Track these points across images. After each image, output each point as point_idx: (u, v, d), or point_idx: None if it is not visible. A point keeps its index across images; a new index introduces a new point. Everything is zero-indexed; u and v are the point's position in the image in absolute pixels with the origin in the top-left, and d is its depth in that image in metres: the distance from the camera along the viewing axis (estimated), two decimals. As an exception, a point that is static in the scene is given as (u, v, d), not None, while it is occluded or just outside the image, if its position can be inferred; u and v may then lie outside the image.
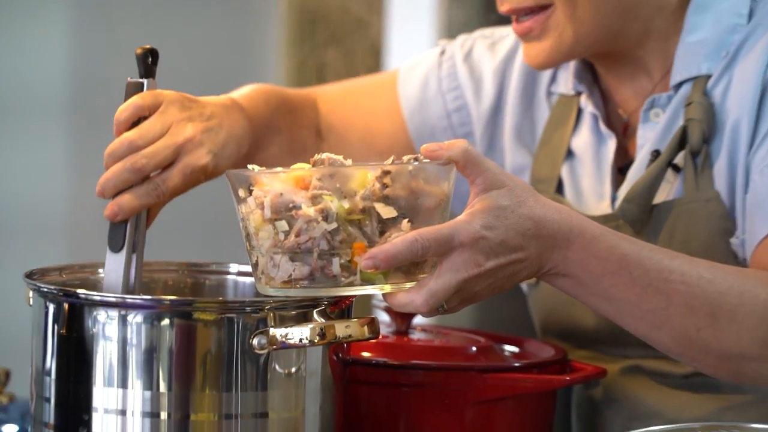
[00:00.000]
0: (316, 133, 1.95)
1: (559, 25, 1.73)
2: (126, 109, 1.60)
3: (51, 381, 1.47)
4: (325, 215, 1.41)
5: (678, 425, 1.45)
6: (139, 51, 1.61)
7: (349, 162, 1.49)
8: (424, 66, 1.99)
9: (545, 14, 1.73)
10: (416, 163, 1.45)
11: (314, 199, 1.42)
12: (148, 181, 1.58)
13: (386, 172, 1.42)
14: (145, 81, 1.61)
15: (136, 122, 1.61)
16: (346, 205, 1.42)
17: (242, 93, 1.82)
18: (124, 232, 1.57)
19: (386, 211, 1.42)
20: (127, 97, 1.61)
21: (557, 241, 1.49)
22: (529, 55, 1.78)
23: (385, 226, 1.43)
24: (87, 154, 4.24)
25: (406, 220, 1.43)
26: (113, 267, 1.58)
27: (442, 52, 2.00)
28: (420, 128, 1.96)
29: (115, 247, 1.58)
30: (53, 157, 4.29)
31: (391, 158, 1.47)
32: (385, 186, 1.42)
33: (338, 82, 2.05)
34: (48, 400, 1.48)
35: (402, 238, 1.40)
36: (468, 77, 1.96)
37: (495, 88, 1.94)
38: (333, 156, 1.49)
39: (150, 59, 1.62)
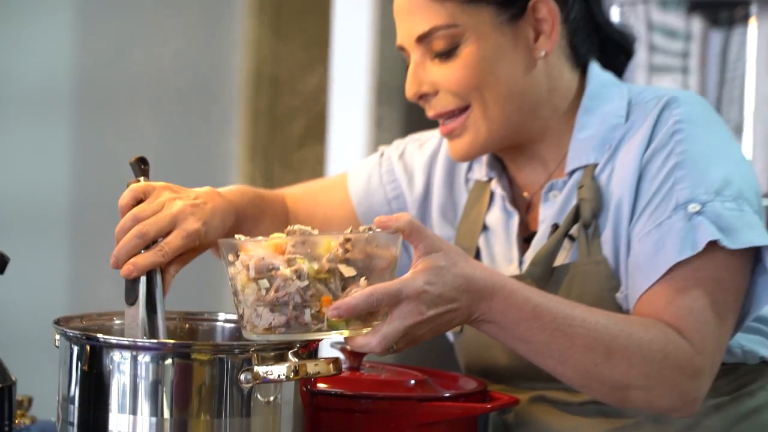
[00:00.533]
0: (285, 223, 1.92)
1: (476, 123, 1.76)
2: (126, 195, 1.63)
3: (75, 408, 1.49)
4: (299, 275, 1.44)
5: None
6: (132, 160, 1.66)
7: (316, 232, 1.51)
8: (368, 166, 2.02)
9: (464, 115, 1.76)
10: (371, 232, 1.48)
11: (289, 262, 1.45)
12: (154, 245, 1.60)
13: (347, 240, 1.46)
14: (141, 179, 1.65)
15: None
16: (315, 266, 1.45)
17: (223, 189, 1.82)
18: (137, 288, 1.59)
19: (347, 271, 1.46)
20: None
21: (483, 294, 1.52)
22: (453, 151, 1.80)
23: (347, 282, 1.46)
24: (89, 147, 4.11)
25: (363, 278, 1.46)
26: (130, 321, 1.59)
27: (382, 154, 2.02)
28: (366, 214, 1.98)
29: (130, 301, 1.60)
30: (56, 150, 4.03)
31: (350, 228, 1.50)
32: (346, 251, 1.45)
33: (300, 184, 2.07)
34: (72, 423, 1.50)
35: (360, 292, 1.44)
36: (403, 172, 1.98)
37: (424, 179, 1.96)
38: (303, 227, 1.52)
39: (142, 165, 1.66)
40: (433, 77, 1.77)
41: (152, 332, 1.59)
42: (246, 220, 1.82)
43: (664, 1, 3.36)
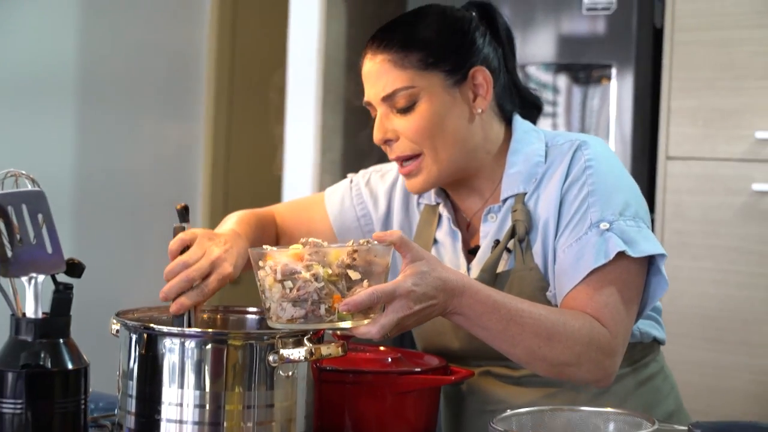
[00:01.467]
0: (276, 236, 1.94)
1: (428, 166, 1.73)
2: (175, 242, 1.58)
3: (133, 383, 1.44)
4: (316, 277, 1.41)
5: (534, 408, 1.45)
6: (178, 207, 1.60)
7: (325, 243, 1.49)
8: (340, 190, 1.98)
9: (419, 160, 1.73)
10: (370, 244, 1.46)
11: (308, 267, 1.41)
12: (196, 286, 1.55)
13: (354, 251, 1.43)
14: (185, 225, 1.59)
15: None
16: (329, 271, 1.42)
17: (234, 222, 1.79)
18: (182, 319, 1.55)
19: (354, 275, 1.43)
20: (174, 235, 1.59)
21: (455, 292, 1.51)
22: (410, 187, 1.78)
23: (352, 284, 1.43)
24: (93, 131, 3.92)
25: (365, 280, 1.43)
26: None
27: (351, 181, 1.98)
28: (341, 228, 1.94)
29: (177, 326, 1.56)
30: (62, 133, 3.74)
31: (351, 241, 1.48)
32: (354, 259, 1.43)
33: (286, 202, 2.03)
34: (131, 395, 1.44)
35: (364, 291, 1.42)
36: (369, 196, 1.94)
37: (386, 202, 1.93)
38: (315, 239, 1.50)
39: (185, 212, 1.61)
40: (395, 126, 1.74)
41: None
42: (258, 242, 1.77)
43: (539, 63, 3.36)
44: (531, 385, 1.73)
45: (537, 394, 1.73)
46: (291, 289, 1.41)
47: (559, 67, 3.33)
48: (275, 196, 3.84)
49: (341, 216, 1.95)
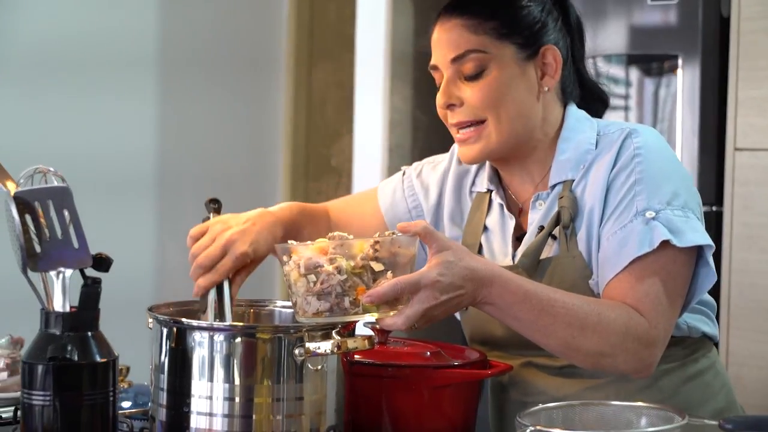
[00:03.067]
0: (328, 231, 1.92)
1: (488, 135, 1.73)
2: (193, 230, 1.69)
3: (164, 376, 1.45)
4: (339, 270, 1.42)
5: (563, 403, 1.44)
6: (207, 201, 1.70)
7: (351, 237, 1.49)
8: (393, 183, 1.98)
9: (480, 127, 1.73)
10: (394, 236, 1.46)
11: (331, 261, 1.42)
12: (213, 268, 1.63)
13: (376, 242, 1.44)
14: (210, 215, 1.69)
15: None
16: (352, 263, 1.42)
17: (275, 207, 1.82)
18: (206, 301, 1.60)
19: (377, 267, 1.43)
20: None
21: (484, 282, 1.50)
22: (464, 155, 1.76)
23: (377, 275, 1.43)
24: (174, 109, 3.96)
25: (389, 272, 1.43)
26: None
27: (404, 173, 1.99)
28: (393, 220, 1.93)
29: (202, 310, 1.61)
30: (143, 111, 3.80)
31: (378, 233, 1.48)
32: (376, 251, 1.43)
33: (342, 198, 2.05)
34: (162, 389, 1.45)
35: (388, 283, 1.42)
36: (420, 187, 1.94)
37: (437, 192, 1.92)
38: (341, 233, 1.50)
39: (214, 205, 1.69)
40: (460, 93, 1.73)
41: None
42: (293, 228, 1.80)
43: (608, 55, 3.32)
44: (573, 377, 1.71)
45: (579, 385, 1.71)
46: (315, 283, 1.41)
47: (626, 59, 3.29)
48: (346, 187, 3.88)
49: (393, 208, 1.95)
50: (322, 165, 4.34)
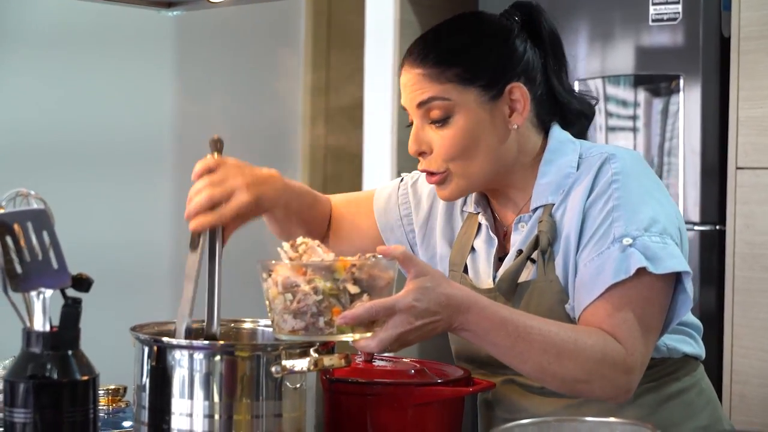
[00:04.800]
0: (329, 219, 1.98)
1: (457, 180, 1.74)
2: (199, 165, 1.67)
3: (145, 394, 1.47)
4: (316, 290, 1.43)
5: (538, 419, 1.44)
6: (212, 140, 1.69)
7: (316, 243, 1.51)
8: (389, 188, 1.99)
9: (445, 174, 1.74)
10: (374, 258, 1.47)
11: (309, 281, 1.43)
12: (215, 208, 1.63)
13: (353, 265, 1.45)
14: (215, 154, 1.68)
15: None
16: (329, 284, 1.44)
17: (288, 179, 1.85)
18: (199, 238, 1.60)
19: (353, 289, 1.44)
20: None
21: (461, 308, 1.51)
22: (439, 194, 1.78)
23: (353, 297, 1.45)
24: (192, 85, 3.88)
25: (366, 294, 1.45)
26: (191, 265, 1.58)
27: (401, 180, 1.99)
28: (384, 225, 1.95)
29: (194, 247, 1.60)
30: (161, 86, 3.84)
31: (358, 255, 1.48)
32: (353, 273, 1.44)
33: (344, 194, 2.08)
34: (144, 406, 1.47)
35: (362, 305, 1.44)
36: (413, 196, 1.95)
37: (428, 205, 1.93)
38: (309, 240, 1.52)
39: (219, 145, 1.68)
40: (429, 140, 1.74)
41: (211, 276, 1.58)
42: (296, 203, 1.84)
43: (616, 76, 3.34)
44: (554, 395, 1.71)
45: (560, 403, 1.72)
46: (291, 301, 1.43)
47: (633, 79, 3.30)
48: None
49: (386, 214, 1.96)
50: (340, 147, 4.39)
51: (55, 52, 3.57)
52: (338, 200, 2.01)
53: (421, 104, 1.72)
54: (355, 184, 3.94)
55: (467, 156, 1.71)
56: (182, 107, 3.91)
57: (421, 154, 1.75)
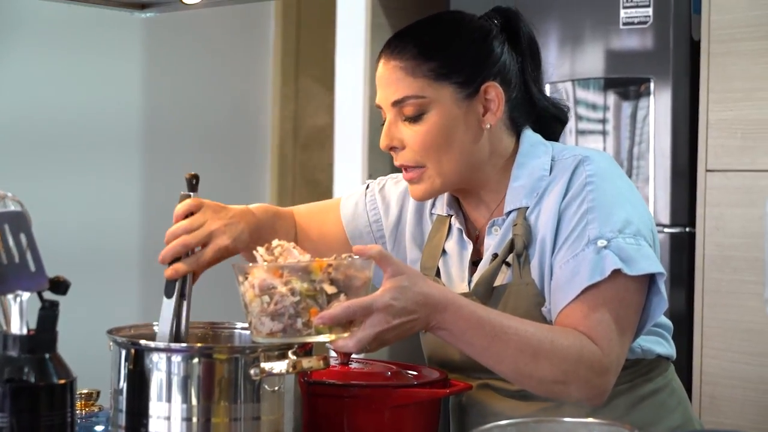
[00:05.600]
0: (294, 233, 1.96)
1: (431, 177, 1.74)
2: (182, 207, 1.67)
3: (123, 398, 1.47)
4: (293, 292, 1.43)
5: (517, 420, 1.45)
6: (188, 176, 1.68)
7: (291, 245, 1.52)
8: (355, 195, 1.98)
9: (422, 170, 1.74)
10: (350, 258, 1.47)
11: (286, 283, 1.43)
12: (192, 254, 1.64)
13: (329, 265, 1.45)
14: (192, 194, 1.67)
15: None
16: (306, 285, 1.44)
17: (253, 206, 1.85)
18: (174, 285, 1.60)
19: (330, 289, 1.45)
20: (179, 202, 1.68)
21: (438, 307, 1.51)
22: (413, 193, 1.78)
23: (330, 298, 1.45)
24: (161, 67, 3.97)
25: (343, 294, 1.45)
26: (166, 315, 1.59)
27: (367, 187, 1.99)
28: (353, 232, 1.95)
29: (169, 295, 1.61)
30: (130, 68, 3.87)
31: (334, 256, 1.49)
32: (329, 273, 1.45)
33: (306, 204, 2.06)
34: (121, 410, 1.48)
35: (340, 305, 1.44)
36: (381, 202, 1.95)
37: (397, 210, 1.93)
38: (285, 243, 1.53)
39: (194, 181, 1.68)
40: (402, 135, 1.74)
41: (178, 319, 1.60)
42: (269, 231, 1.83)
43: (586, 79, 3.36)
44: (529, 399, 1.72)
45: (535, 407, 1.72)
46: (269, 304, 1.43)
47: (602, 83, 3.32)
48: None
49: (354, 221, 1.96)
50: (309, 128, 4.40)
51: (25, 44, 3.59)
52: (302, 211, 2.01)
53: (395, 103, 1.73)
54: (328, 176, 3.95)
55: (440, 152, 1.72)
56: (151, 88, 3.93)
57: (393, 149, 1.75)
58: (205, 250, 1.66)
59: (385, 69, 1.74)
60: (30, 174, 3.58)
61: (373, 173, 3.81)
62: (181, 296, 1.61)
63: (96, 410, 1.91)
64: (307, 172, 4.47)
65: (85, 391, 1.91)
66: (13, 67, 3.58)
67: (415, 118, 1.72)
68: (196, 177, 1.68)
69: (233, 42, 4.29)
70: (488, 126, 1.74)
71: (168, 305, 1.60)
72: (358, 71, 3.83)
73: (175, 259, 1.63)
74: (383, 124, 1.76)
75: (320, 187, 4.31)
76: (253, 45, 4.38)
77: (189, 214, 1.68)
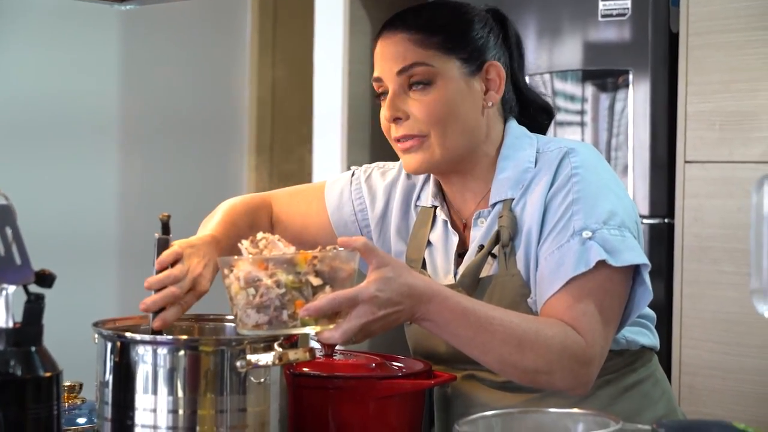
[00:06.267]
0: (270, 224, 1.94)
1: (431, 147, 1.74)
2: (170, 255, 1.59)
3: (109, 390, 1.47)
4: (278, 284, 1.43)
5: (503, 410, 1.46)
6: (162, 217, 1.61)
7: (276, 238, 1.52)
8: (341, 183, 1.98)
9: (422, 138, 1.74)
10: (335, 250, 1.48)
11: (271, 275, 1.44)
12: (178, 302, 1.58)
13: (315, 257, 1.45)
14: (169, 237, 1.61)
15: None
16: (291, 277, 1.44)
17: (220, 217, 1.81)
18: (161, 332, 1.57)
19: (316, 281, 1.45)
20: (158, 246, 1.60)
21: (423, 298, 1.52)
22: (407, 164, 1.77)
23: (316, 290, 1.45)
24: (138, 54, 3.98)
25: (328, 286, 1.45)
26: None
27: (352, 174, 1.99)
28: (338, 221, 1.95)
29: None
30: (106, 55, 3.89)
31: (319, 248, 1.49)
32: (315, 265, 1.45)
33: (286, 188, 2.03)
34: (107, 402, 1.48)
35: (325, 297, 1.44)
36: (367, 192, 1.95)
37: (384, 201, 1.93)
38: (269, 235, 1.52)
39: (167, 222, 1.61)
40: (406, 107, 1.74)
41: None
42: (239, 238, 1.73)
43: (564, 71, 3.37)
44: (514, 390, 1.73)
45: (520, 398, 1.73)
46: (254, 296, 1.43)
47: (581, 74, 3.34)
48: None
49: (339, 210, 1.96)
50: (287, 111, 4.41)
51: (2, 34, 3.60)
52: (283, 197, 1.99)
53: (402, 71, 1.74)
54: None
55: (446, 123, 1.73)
56: (129, 86, 3.91)
57: (396, 120, 1.75)
58: (189, 295, 1.60)
59: (390, 42, 1.75)
60: (7, 163, 3.59)
61: (351, 165, 3.82)
62: None
63: (79, 402, 1.90)
64: (284, 162, 4.48)
65: (68, 383, 1.90)
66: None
67: (423, 85, 1.73)
68: (168, 217, 1.62)
69: (210, 33, 4.30)
70: (490, 104, 1.77)
71: None
72: (337, 63, 3.83)
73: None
74: (378, 97, 1.77)
75: (296, 178, 4.32)
76: (230, 36, 4.38)
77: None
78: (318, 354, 1.68)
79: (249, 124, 4.44)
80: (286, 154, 4.45)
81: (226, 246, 1.74)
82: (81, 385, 1.91)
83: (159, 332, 1.56)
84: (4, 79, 3.64)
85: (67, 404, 1.88)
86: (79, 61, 3.80)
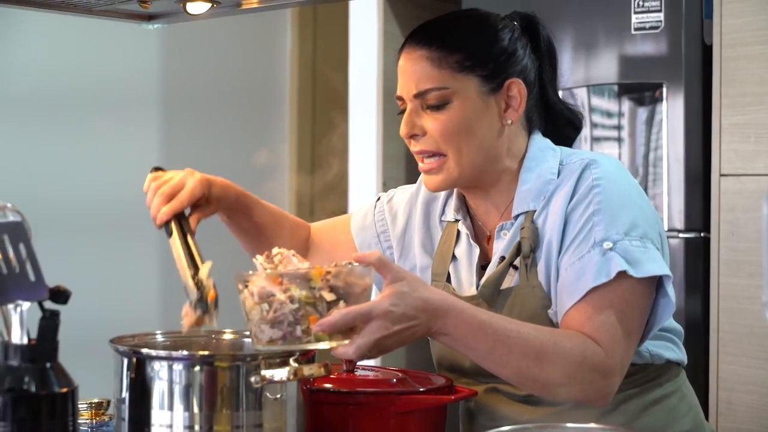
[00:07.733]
0: (307, 243, 2.01)
1: (449, 168, 1.74)
2: (147, 180, 1.81)
3: (126, 407, 1.47)
4: (292, 299, 1.43)
5: (519, 425, 1.44)
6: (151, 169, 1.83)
7: (291, 253, 1.53)
8: (365, 208, 2.00)
9: (442, 159, 1.74)
10: (349, 266, 1.47)
11: (285, 290, 1.43)
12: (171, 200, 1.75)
13: (328, 272, 1.45)
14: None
15: None
16: (305, 292, 1.43)
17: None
18: (170, 227, 1.73)
19: (329, 296, 1.44)
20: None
21: (439, 313, 1.50)
22: (428, 184, 1.78)
23: (330, 305, 1.44)
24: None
25: (342, 301, 1.44)
26: (176, 253, 1.69)
27: (378, 199, 2.01)
28: (362, 244, 1.96)
29: (168, 234, 1.73)
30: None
31: (334, 263, 1.48)
32: (329, 281, 1.44)
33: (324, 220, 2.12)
34: (124, 419, 1.48)
35: (338, 312, 1.43)
36: (389, 212, 1.96)
37: (404, 219, 1.94)
38: (284, 250, 1.53)
39: (159, 170, 1.84)
40: (423, 123, 1.74)
41: (190, 253, 1.67)
42: (250, 200, 1.95)
43: (600, 85, 3.35)
44: (537, 404, 1.72)
45: (543, 412, 1.71)
46: (268, 311, 1.43)
47: (611, 88, 3.31)
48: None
49: (362, 233, 1.98)
50: (328, 96, 4.46)
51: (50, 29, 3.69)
52: (318, 225, 2.05)
53: (417, 95, 1.74)
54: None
55: (461, 141, 1.72)
56: (168, 63, 3.99)
57: (413, 136, 1.76)
58: (181, 192, 1.75)
59: (409, 59, 1.75)
60: (51, 136, 3.68)
61: (387, 181, 3.82)
62: (184, 234, 1.71)
63: (107, 419, 1.91)
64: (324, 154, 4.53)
65: (96, 400, 1.91)
66: (35, 30, 3.68)
67: (438, 107, 1.72)
68: (159, 168, 1.84)
69: (252, 45, 4.37)
70: (509, 122, 1.75)
71: (175, 243, 1.69)
72: (372, 75, 3.85)
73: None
74: (400, 114, 1.77)
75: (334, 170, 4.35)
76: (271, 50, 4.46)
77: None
78: (342, 369, 1.68)
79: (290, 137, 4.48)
80: (324, 171, 4.46)
81: (244, 198, 1.92)
82: (108, 402, 1.92)
83: (166, 228, 1.73)
84: (46, 52, 3.70)
85: (94, 421, 1.89)
86: (121, 37, 3.87)
